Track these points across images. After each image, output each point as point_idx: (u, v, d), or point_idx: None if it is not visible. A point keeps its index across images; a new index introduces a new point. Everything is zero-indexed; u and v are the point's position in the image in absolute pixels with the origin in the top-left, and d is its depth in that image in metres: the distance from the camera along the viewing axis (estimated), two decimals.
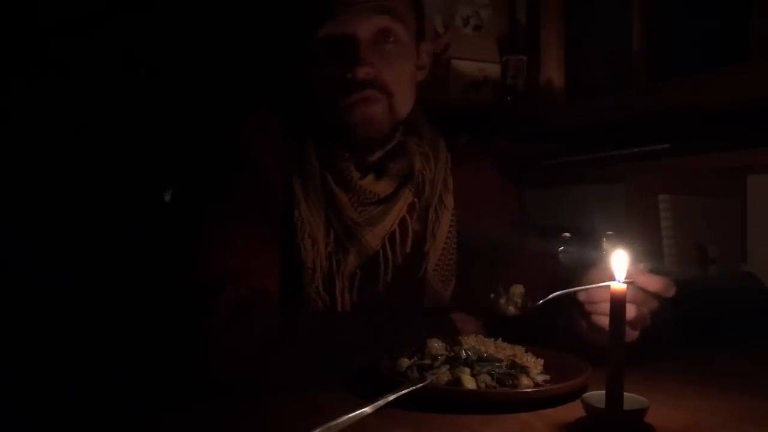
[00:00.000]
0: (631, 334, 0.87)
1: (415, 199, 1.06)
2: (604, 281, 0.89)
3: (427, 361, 0.82)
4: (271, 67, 1.89)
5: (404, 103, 1.04)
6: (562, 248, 1.38)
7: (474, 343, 0.84)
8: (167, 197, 1.35)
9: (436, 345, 0.85)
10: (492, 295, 0.92)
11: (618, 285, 0.68)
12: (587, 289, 0.90)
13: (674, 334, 1.07)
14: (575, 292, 0.91)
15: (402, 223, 1.04)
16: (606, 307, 0.89)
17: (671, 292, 0.88)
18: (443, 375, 0.78)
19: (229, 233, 0.96)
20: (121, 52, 1.94)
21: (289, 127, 1.05)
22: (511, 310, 0.91)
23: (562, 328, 0.94)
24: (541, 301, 0.89)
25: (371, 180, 1.02)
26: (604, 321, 0.90)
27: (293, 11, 1.04)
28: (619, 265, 0.70)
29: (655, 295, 0.88)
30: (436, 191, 1.08)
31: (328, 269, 1.00)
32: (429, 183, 1.07)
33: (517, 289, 0.91)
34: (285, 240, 1.00)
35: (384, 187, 1.03)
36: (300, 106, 1.08)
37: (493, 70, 2.46)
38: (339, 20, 0.98)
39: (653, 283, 0.87)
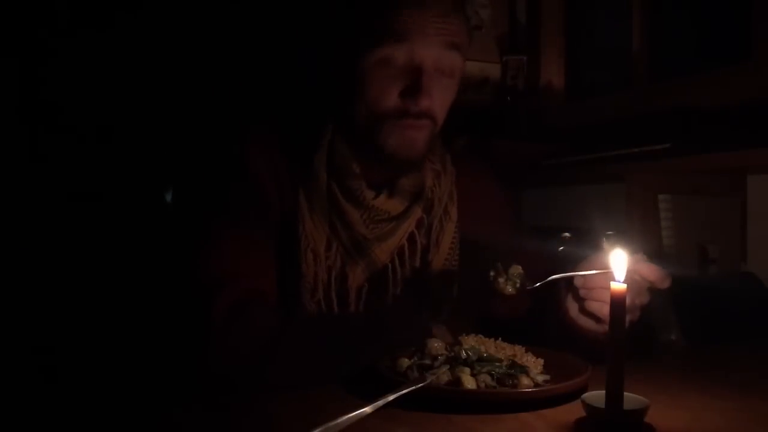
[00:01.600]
0: None
1: (424, 215, 1.07)
2: (602, 269, 0.89)
3: (427, 361, 0.82)
4: (286, 73, 1.89)
5: (440, 126, 1.04)
6: (562, 248, 1.38)
7: (474, 343, 0.84)
8: (168, 201, 1.36)
9: (436, 345, 0.85)
10: (491, 273, 0.92)
11: (618, 285, 0.68)
12: (585, 274, 0.91)
13: (670, 334, 1.07)
14: (572, 277, 0.91)
15: (411, 237, 1.05)
16: (600, 293, 0.90)
17: (667, 284, 0.89)
18: (443, 375, 0.78)
19: (226, 236, 0.96)
20: (125, 55, 1.94)
21: (292, 141, 1.05)
22: (509, 289, 0.92)
23: (552, 322, 0.95)
24: (538, 284, 0.90)
25: (384, 199, 1.03)
26: (596, 307, 0.91)
27: (353, 26, 1.00)
28: (619, 265, 0.70)
29: (651, 286, 0.89)
30: (442, 204, 1.09)
31: (328, 283, 1.00)
32: (438, 199, 1.08)
33: (516, 270, 0.92)
34: (286, 254, 1.00)
35: (396, 206, 1.04)
36: (313, 118, 1.07)
37: (493, 70, 2.46)
38: (410, 46, 0.95)
39: (652, 271, 0.88)
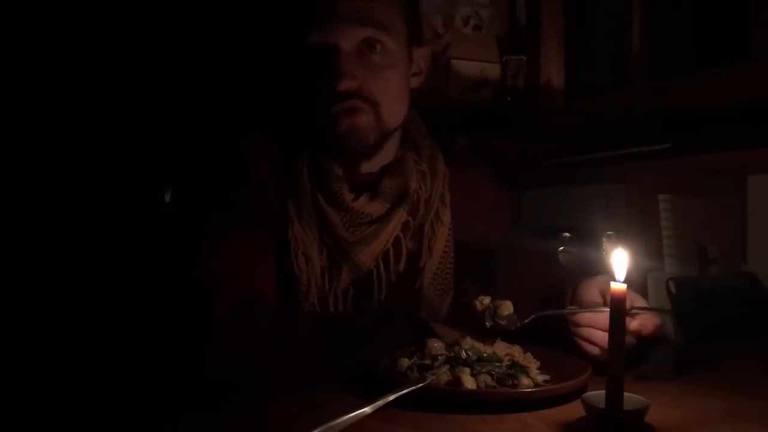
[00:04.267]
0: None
1: (410, 218, 1.05)
2: (592, 300, 0.89)
3: (427, 361, 0.82)
4: (269, 79, 1.89)
5: (393, 113, 1.03)
6: (562, 248, 1.38)
7: (474, 343, 0.84)
8: (167, 201, 1.36)
9: (436, 345, 0.85)
10: (478, 308, 0.90)
11: (618, 285, 0.68)
12: (573, 312, 0.90)
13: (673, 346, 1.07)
14: (561, 311, 0.90)
15: (396, 242, 1.04)
16: (588, 332, 0.89)
17: (657, 332, 0.88)
18: (443, 375, 0.78)
19: (227, 237, 0.96)
20: (123, 58, 1.94)
21: (284, 143, 1.05)
22: (494, 327, 0.89)
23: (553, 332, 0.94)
24: (526, 320, 0.88)
25: (364, 201, 1.02)
26: (589, 349, 0.90)
27: (280, 21, 1.04)
28: (619, 265, 0.70)
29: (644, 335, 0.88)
30: (432, 208, 1.08)
31: (322, 286, 1.00)
32: (424, 202, 1.07)
33: (507, 309, 0.89)
34: (279, 257, 1.00)
35: (377, 208, 1.03)
36: (293, 119, 1.07)
37: (493, 70, 2.46)
38: (321, 31, 0.97)
39: (647, 326, 0.87)
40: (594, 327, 0.88)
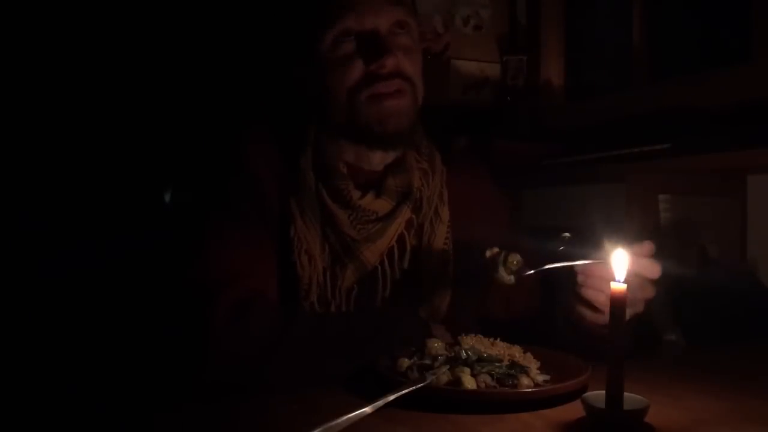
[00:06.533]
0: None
1: (413, 216, 1.06)
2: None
3: (427, 361, 0.82)
4: (273, 73, 1.89)
5: (421, 93, 1.05)
6: (562, 248, 1.38)
7: (474, 343, 0.84)
8: (167, 201, 1.36)
9: (436, 345, 0.84)
10: (487, 255, 0.91)
11: (618, 285, 0.68)
12: (582, 264, 0.90)
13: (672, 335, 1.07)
14: (572, 270, 0.91)
15: (400, 239, 1.04)
16: (598, 282, 0.89)
17: (656, 274, 0.89)
18: (443, 375, 0.78)
19: (227, 237, 0.96)
20: (123, 57, 1.94)
21: (285, 141, 1.05)
22: (507, 279, 0.90)
23: (562, 322, 0.94)
24: (533, 270, 0.89)
25: (371, 199, 1.02)
26: (591, 295, 0.90)
27: (306, 7, 1.04)
28: (619, 266, 0.70)
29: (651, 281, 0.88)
30: (432, 205, 1.08)
31: (324, 285, 1.00)
32: (426, 199, 1.07)
33: (515, 258, 0.91)
34: (281, 255, 1.00)
35: (383, 206, 1.03)
36: (294, 117, 1.07)
37: (493, 70, 2.46)
38: (358, 14, 0.98)
39: (654, 270, 0.87)
40: (603, 278, 0.89)
